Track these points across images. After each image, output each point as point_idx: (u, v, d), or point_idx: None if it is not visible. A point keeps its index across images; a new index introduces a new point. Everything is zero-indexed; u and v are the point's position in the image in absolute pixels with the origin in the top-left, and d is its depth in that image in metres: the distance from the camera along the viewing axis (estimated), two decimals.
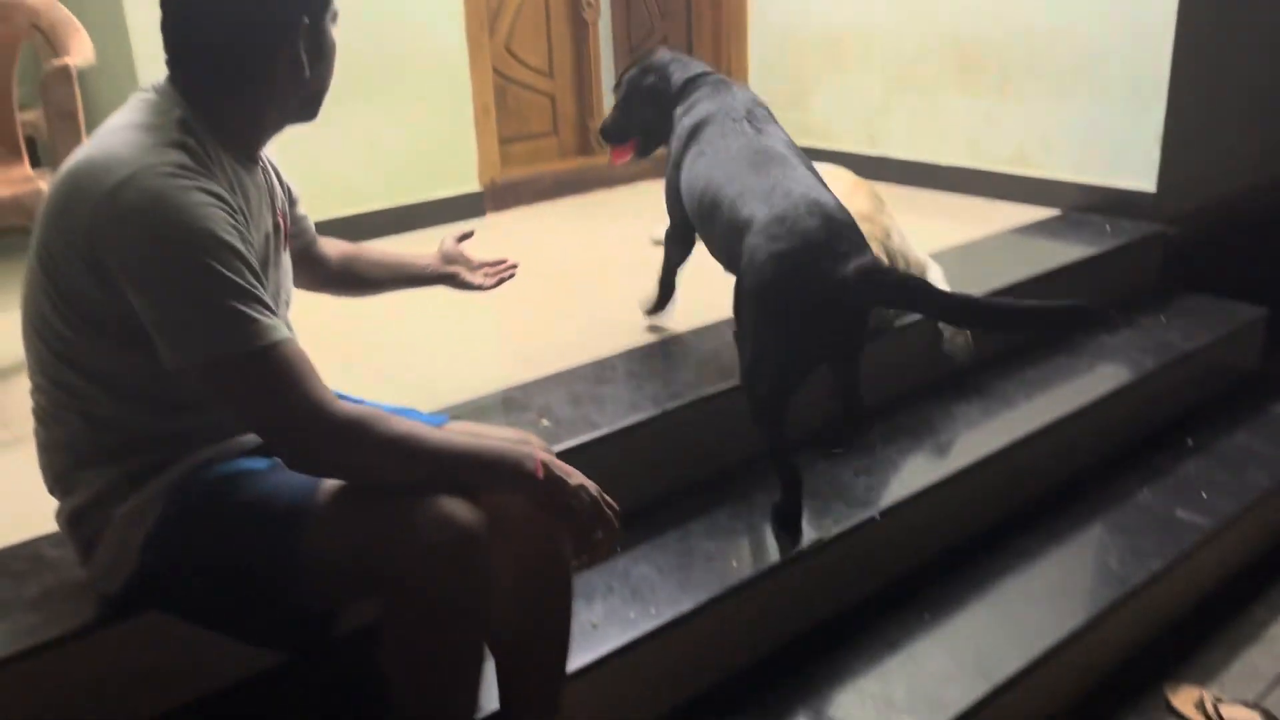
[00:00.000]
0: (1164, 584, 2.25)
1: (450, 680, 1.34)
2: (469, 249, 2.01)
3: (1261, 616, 2.41)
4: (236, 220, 1.28)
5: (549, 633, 1.55)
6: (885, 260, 2.44)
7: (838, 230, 1.90)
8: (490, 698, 1.56)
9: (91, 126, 1.37)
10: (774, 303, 1.90)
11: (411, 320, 2.64)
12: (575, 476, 1.37)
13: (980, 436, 2.43)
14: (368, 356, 2.44)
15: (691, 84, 2.36)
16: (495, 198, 3.76)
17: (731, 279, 2.08)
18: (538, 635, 1.53)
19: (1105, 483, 2.57)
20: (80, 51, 2.38)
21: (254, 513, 1.33)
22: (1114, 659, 2.20)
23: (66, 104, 2.28)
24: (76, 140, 2.28)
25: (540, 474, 1.33)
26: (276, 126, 1.43)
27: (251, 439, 1.45)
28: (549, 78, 4.15)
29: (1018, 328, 2.32)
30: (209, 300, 1.21)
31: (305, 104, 1.42)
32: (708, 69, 2.42)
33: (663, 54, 2.48)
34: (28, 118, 2.76)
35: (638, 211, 3.69)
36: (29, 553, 1.65)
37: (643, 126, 2.46)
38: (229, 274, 1.22)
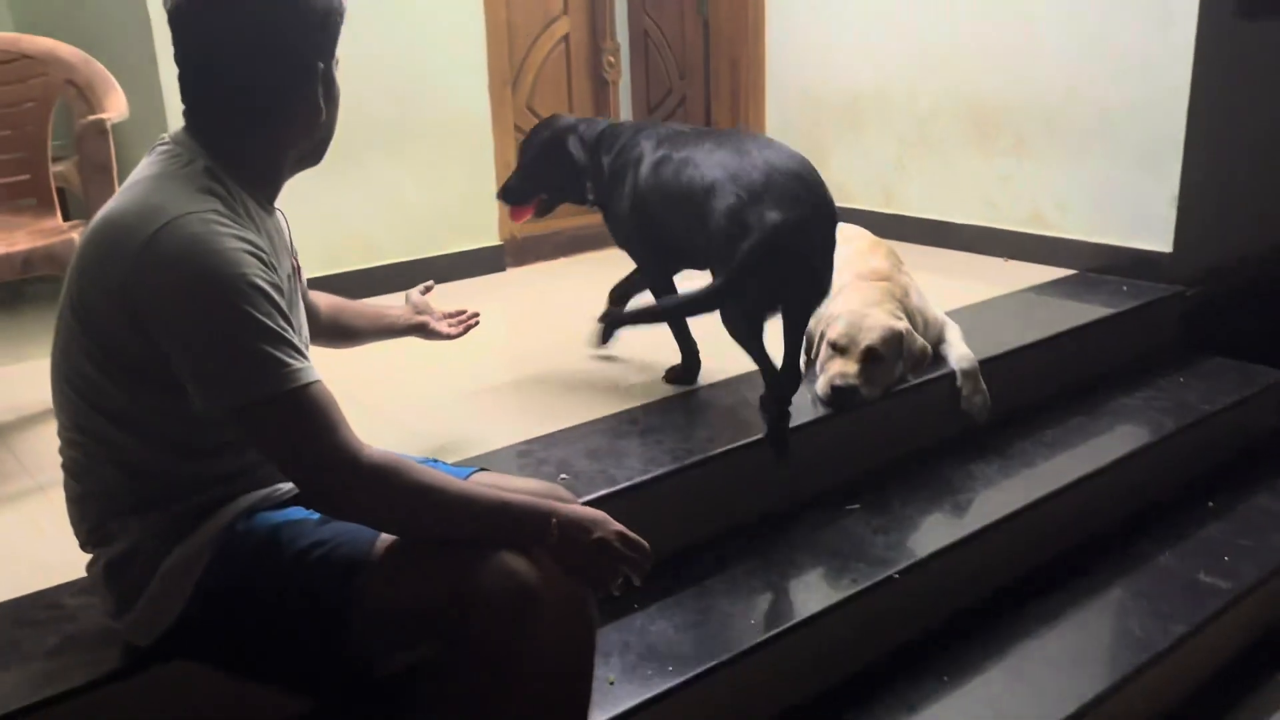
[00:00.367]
0: (1187, 649, 2.22)
1: None
2: (432, 300, 2.13)
3: None
4: (267, 265, 1.30)
5: (570, 692, 1.54)
6: (905, 321, 2.46)
7: (813, 189, 2.19)
8: None
9: (123, 179, 1.41)
10: (773, 254, 2.09)
11: (427, 373, 2.66)
12: (597, 530, 1.37)
13: (999, 496, 2.42)
14: (384, 409, 2.46)
15: (611, 131, 2.53)
16: (515, 252, 3.80)
17: None
18: (559, 691, 1.52)
19: (1125, 545, 2.54)
20: (115, 107, 2.44)
21: (309, 564, 1.34)
22: None
23: (100, 157, 2.33)
24: (110, 192, 2.33)
25: (554, 535, 1.34)
26: (292, 171, 1.46)
27: (291, 485, 1.47)
28: None
29: None
30: (243, 344, 1.23)
31: (316, 148, 1.46)
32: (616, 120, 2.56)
33: (564, 117, 2.61)
34: (58, 169, 2.82)
35: None
36: (50, 601, 1.65)
37: (551, 185, 2.59)
38: (262, 318, 1.25)
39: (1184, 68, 3.14)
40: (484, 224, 3.69)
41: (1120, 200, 3.37)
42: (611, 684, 1.76)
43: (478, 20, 3.55)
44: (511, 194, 2.63)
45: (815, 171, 2.24)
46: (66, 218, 2.65)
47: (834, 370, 2.38)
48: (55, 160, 2.78)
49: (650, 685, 1.76)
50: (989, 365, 2.63)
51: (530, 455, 2.18)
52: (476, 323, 2.19)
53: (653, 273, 2.54)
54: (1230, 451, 2.98)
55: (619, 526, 1.40)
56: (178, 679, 1.47)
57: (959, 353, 2.62)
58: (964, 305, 3.08)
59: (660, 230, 2.40)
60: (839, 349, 2.41)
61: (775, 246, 2.08)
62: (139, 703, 1.50)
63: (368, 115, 3.20)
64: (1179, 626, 2.22)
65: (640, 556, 1.40)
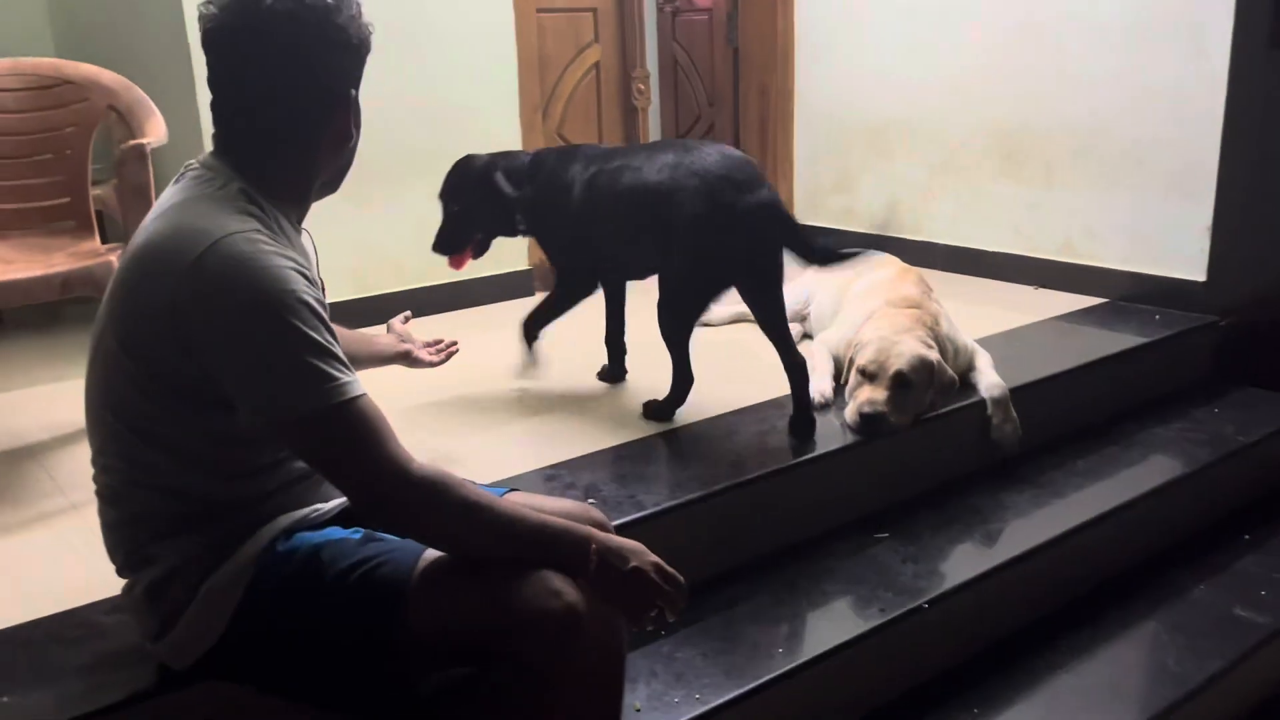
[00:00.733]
0: (1223, 685, 2.18)
1: None
2: (412, 329, 2.18)
3: None
4: (310, 281, 1.33)
5: (605, 714, 1.53)
6: (935, 348, 2.45)
7: (741, 169, 2.32)
8: None
9: None
10: (711, 233, 2.28)
11: (453, 396, 2.68)
12: (634, 560, 1.37)
13: (1030, 526, 2.40)
14: (411, 432, 2.43)
15: (538, 158, 2.59)
16: (544, 276, 3.80)
17: None
18: (596, 712, 1.52)
19: (1160, 578, 2.51)
20: (154, 131, 2.48)
21: (351, 584, 1.34)
22: None
23: (140, 181, 2.36)
24: None
25: (594, 562, 1.34)
26: (318, 196, 1.49)
27: (333, 504, 1.48)
28: None
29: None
30: (293, 359, 1.25)
31: (337, 174, 1.49)
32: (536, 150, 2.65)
33: (479, 156, 2.60)
34: (97, 193, 2.87)
35: None
36: (83, 619, 1.66)
37: (483, 224, 2.59)
38: (311, 333, 1.27)
39: (1217, 96, 3.12)
40: (513, 248, 3.71)
41: (1152, 228, 3.35)
42: (638, 711, 1.75)
43: (510, 49, 3.60)
44: (447, 244, 2.59)
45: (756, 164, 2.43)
46: (104, 240, 2.70)
47: (863, 397, 2.37)
48: (94, 184, 2.83)
49: (676, 713, 1.75)
50: (1019, 393, 2.61)
51: (558, 479, 2.18)
52: (456, 350, 2.24)
53: (576, 289, 2.66)
54: (1266, 484, 2.93)
55: (656, 559, 1.40)
56: (210, 698, 1.48)
57: (989, 380, 2.60)
58: (994, 333, 3.06)
59: (600, 243, 2.51)
60: (868, 375, 2.40)
61: (745, 225, 2.27)
62: None
63: (401, 142, 3.24)
64: (1214, 662, 2.18)
65: (676, 591, 1.40)
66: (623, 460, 2.27)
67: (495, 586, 1.31)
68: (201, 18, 1.35)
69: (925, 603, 2.07)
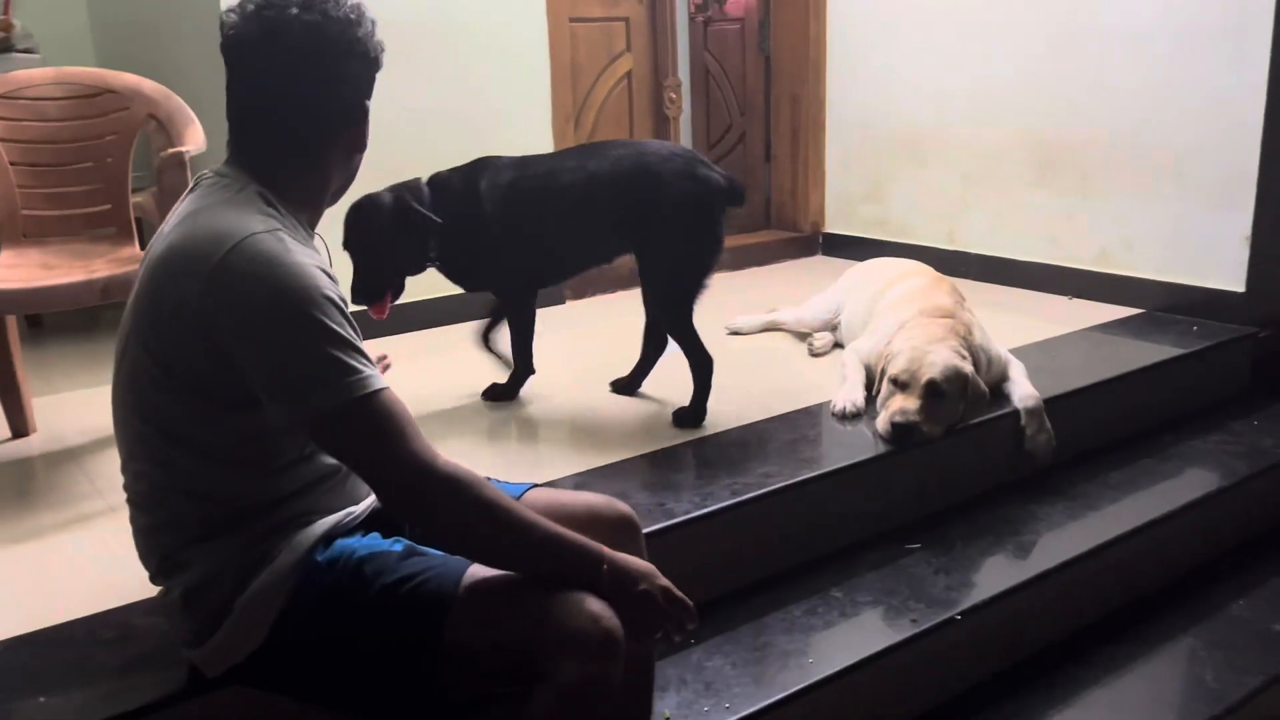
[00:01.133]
0: (1261, 701, 2.14)
1: None
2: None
3: None
4: (332, 279, 1.35)
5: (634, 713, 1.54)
6: (969, 358, 2.43)
7: (697, 153, 2.52)
8: None
9: None
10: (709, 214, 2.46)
11: (483, 403, 2.70)
12: (644, 582, 1.37)
13: (1064, 539, 2.37)
14: (440, 438, 2.48)
15: (438, 180, 2.53)
16: (575, 286, 3.83)
17: None
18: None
19: (1196, 592, 2.47)
20: (193, 139, 2.52)
21: (396, 600, 1.35)
22: None
23: (179, 188, 2.36)
24: None
25: (605, 581, 1.35)
26: (328, 204, 1.51)
27: (364, 506, 1.49)
28: None
29: None
30: (319, 352, 1.27)
31: (347, 182, 1.51)
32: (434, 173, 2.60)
33: (380, 194, 2.45)
34: (136, 200, 2.91)
35: (712, 302, 3.72)
36: (119, 620, 1.69)
37: (401, 262, 2.47)
38: (336, 327, 1.28)
39: (1257, 105, 3.08)
40: None
41: (1190, 238, 3.31)
42: (668, 719, 1.75)
43: (544, 59, 3.62)
44: (370, 293, 2.41)
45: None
46: (143, 247, 2.73)
47: (895, 407, 2.36)
48: (134, 191, 2.88)
49: None
50: (1054, 404, 2.59)
51: (587, 487, 2.18)
52: (389, 365, 2.14)
53: (522, 297, 2.66)
54: None
55: (665, 582, 1.40)
56: (242, 702, 1.49)
57: (1023, 391, 2.58)
58: (1028, 343, 3.03)
59: (542, 244, 2.53)
60: (900, 385, 2.38)
61: (722, 199, 2.45)
62: None
63: (435, 151, 3.24)
64: (1253, 678, 2.14)
65: (682, 615, 1.40)
66: (652, 468, 2.27)
67: (536, 607, 1.32)
68: (224, 25, 1.37)
69: (958, 614, 2.05)
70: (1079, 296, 3.57)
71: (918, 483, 2.41)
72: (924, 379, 2.35)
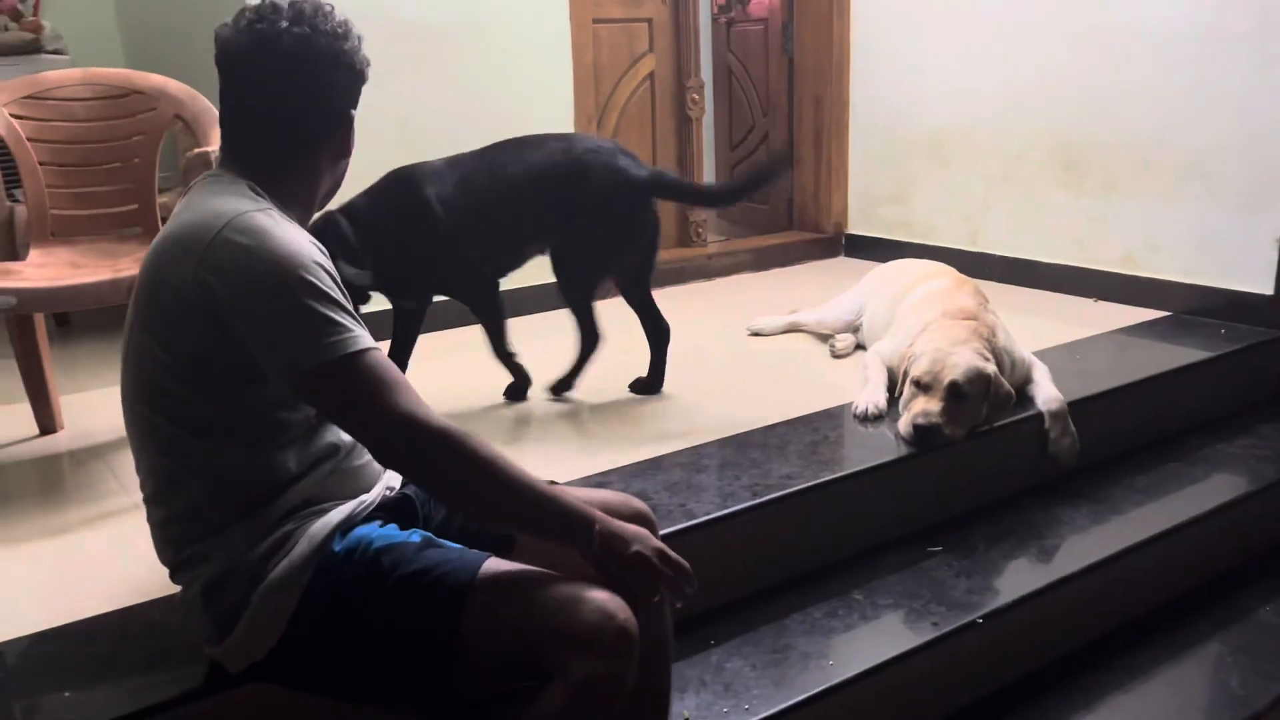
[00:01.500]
0: None
1: None
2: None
3: None
4: (322, 253, 1.40)
5: (651, 704, 1.55)
6: (992, 360, 2.42)
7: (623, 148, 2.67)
8: None
9: None
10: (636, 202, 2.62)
11: (501, 403, 2.71)
12: (635, 544, 1.38)
13: (1088, 543, 2.35)
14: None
15: (354, 210, 2.47)
16: None
17: None
18: (639, 708, 1.52)
19: (1223, 598, 2.45)
20: (219, 139, 2.53)
21: (414, 590, 1.37)
22: None
23: None
24: None
25: (597, 542, 1.36)
26: (317, 207, 1.57)
27: (375, 493, 1.51)
28: None
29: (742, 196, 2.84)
30: (309, 312, 1.31)
31: (334, 188, 1.57)
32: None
33: (334, 216, 2.41)
34: (163, 200, 2.93)
35: (734, 303, 3.72)
36: (144, 616, 1.70)
37: (398, 266, 2.49)
38: (323, 287, 1.34)
39: None
40: None
41: (1217, 240, 3.28)
42: (687, 719, 1.75)
43: (566, 60, 3.63)
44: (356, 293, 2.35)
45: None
46: None
47: (917, 408, 2.35)
48: (160, 191, 2.90)
49: None
50: (1078, 407, 2.57)
51: (608, 487, 2.18)
52: None
53: (489, 292, 2.68)
54: None
55: (659, 544, 1.41)
56: (263, 698, 1.49)
57: (1047, 394, 2.56)
58: (1052, 345, 3.01)
59: (498, 236, 2.57)
60: (922, 386, 2.37)
61: (647, 190, 2.62)
62: (228, 718, 1.53)
63: (459, 152, 3.28)
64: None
65: (679, 577, 1.41)
66: (673, 469, 2.27)
67: (550, 602, 1.33)
68: (218, 37, 1.45)
69: (979, 618, 2.04)
70: (1104, 299, 3.55)
71: (940, 485, 2.40)
72: (946, 381, 2.34)
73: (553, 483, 1.61)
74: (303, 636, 1.39)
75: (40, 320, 2.56)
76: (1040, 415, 2.53)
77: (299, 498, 1.43)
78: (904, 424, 2.37)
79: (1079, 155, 3.60)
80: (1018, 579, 2.20)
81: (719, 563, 2.05)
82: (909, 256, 3.33)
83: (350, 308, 1.37)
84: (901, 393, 2.46)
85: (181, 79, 2.75)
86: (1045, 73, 3.64)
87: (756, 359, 3.08)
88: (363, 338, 1.33)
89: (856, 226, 4.44)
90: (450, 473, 1.34)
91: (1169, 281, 3.41)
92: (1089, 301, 3.56)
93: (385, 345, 2.63)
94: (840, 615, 2.05)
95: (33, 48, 3.78)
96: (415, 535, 1.45)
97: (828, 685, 1.84)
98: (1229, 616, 2.38)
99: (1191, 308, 3.34)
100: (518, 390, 2.75)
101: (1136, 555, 2.33)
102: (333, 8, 1.48)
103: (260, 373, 1.35)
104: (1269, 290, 3.17)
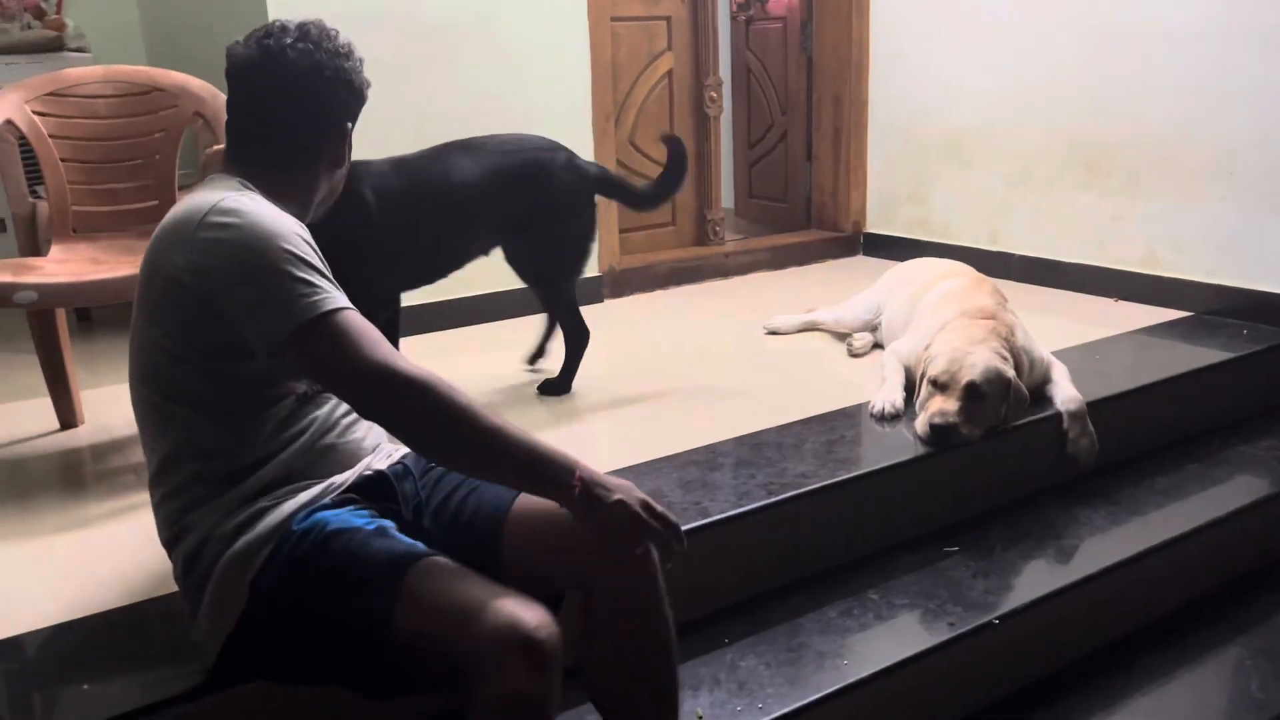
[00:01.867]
0: None
1: None
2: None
3: None
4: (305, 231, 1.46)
5: (653, 693, 1.53)
6: (1010, 360, 2.40)
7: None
8: None
9: None
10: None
11: (520, 399, 2.71)
12: (618, 492, 1.38)
13: (1107, 544, 2.33)
14: None
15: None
16: (613, 284, 3.84)
17: None
18: (641, 696, 1.52)
19: (1244, 600, 2.42)
20: None
21: (349, 575, 1.37)
22: None
23: None
24: None
25: (578, 488, 1.36)
26: (313, 215, 1.63)
27: (347, 476, 1.52)
28: None
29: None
30: (284, 279, 1.36)
31: (330, 195, 1.65)
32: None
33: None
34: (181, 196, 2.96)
35: (750, 302, 3.72)
36: (160, 610, 1.72)
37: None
38: (299, 253, 1.39)
39: None
40: None
41: (1241, 240, 3.25)
42: (700, 718, 1.74)
43: (584, 58, 3.62)
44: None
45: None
46: None
47: (934, 408, 2.33)
48: (181, 188, 2.92)
49: None
50: (1097, 407, 2.55)
51: None
52: None
53: (395, 301, 2.64)
54: None
55: (644, 496, 1.40)
56: (273, 692, 1.50)
57: (1066, 394, 2.54)
58: (1071, 345, 2.99)
59: (435, 242, 2.53)
60: (939, 386, 2.36)
61: (593, 190, 2.71)
62: (239, 712, 1.54)
63: None
64: None
65: (666, 530, 1.39)
66: (688, 467, 2.26)
67: (464, 605, 1.29)
68: (229, 53, 1.57)
69: (996, 619, 2.03)
70: (1125, 299, 3.52)
71: (957, 485, 2.39)
72: (964, 380, 2.33)
73: None
74: (260, 614, 1.40)
75: (61, 315, 2.58)
76: (1059, 415, 2.51)
77: (274, 473, 1.46)
78: (921, 423, 2.36)
79: (1100, 154, 3.57)
80: (1035, 580, 2.19)
81: (734, 561, 2.05)
82: (928, 256, 3.31)
83: (328, 272, 1.42)
84: (919, 392, 2.45)
85: (203, 77, 2.77)
86: (1065, 71, 3.62)
87: (773, 357, 3.07)
88: (336, 297, 1.38)
89: (875, 225, 4.43)
90: (424, 421, 1.35)
91: (1191, 281, 3.38)
92: (1110, 301, 3.53)
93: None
94: (855, 615, 2.04)
95: (55, 45, 3.81)
96: (374, 524, 1.44)
97: (842, 685, 1.83)
98: (1250, 619, 2.36)
99: (1213, 308, 3.31)
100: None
101: (1156, 557, 2.31)
102: (337, 32, 1.58)
103: (247, 349, 1.40)
104: None
